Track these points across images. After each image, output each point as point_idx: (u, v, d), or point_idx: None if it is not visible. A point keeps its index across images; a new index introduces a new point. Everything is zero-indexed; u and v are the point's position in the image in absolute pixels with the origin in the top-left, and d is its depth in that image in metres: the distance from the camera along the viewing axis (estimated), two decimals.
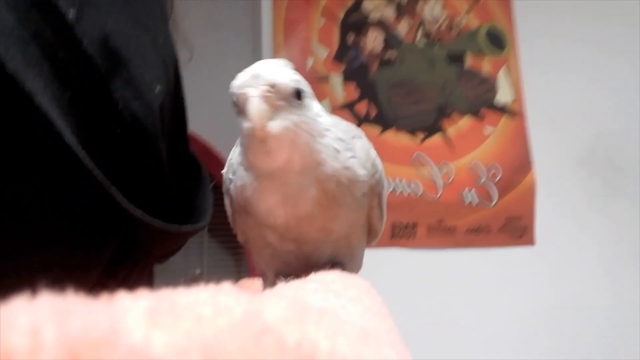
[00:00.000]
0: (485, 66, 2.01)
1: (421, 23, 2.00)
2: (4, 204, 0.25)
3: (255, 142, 0.42)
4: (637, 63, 2.09)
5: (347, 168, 0.46)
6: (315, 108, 0.47)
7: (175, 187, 0.38)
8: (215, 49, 1.88)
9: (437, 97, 1.95)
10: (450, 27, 2.03)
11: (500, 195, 1.89)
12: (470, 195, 1.87)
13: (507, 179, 1.91)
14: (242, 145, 0.46)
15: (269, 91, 0.41)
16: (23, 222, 0.25)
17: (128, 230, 0.30)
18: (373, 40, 1.94)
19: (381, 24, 1.97)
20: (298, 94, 0.44)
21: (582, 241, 1.92)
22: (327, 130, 0.47)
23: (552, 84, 2.03)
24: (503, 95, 2.00)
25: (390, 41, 1.96)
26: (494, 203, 1.88)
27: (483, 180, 1.89)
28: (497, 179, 1.90)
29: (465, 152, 1.91)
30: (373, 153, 0.51)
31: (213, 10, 2.02)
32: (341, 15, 1.93)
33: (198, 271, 1.50)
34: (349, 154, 0.47)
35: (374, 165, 0.49)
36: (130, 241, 0.31)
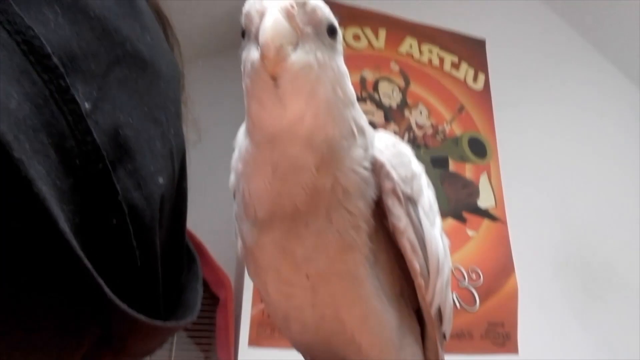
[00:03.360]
0: (468, 171, 2.10)
1: (408, 128, 2.11)
2: None
3: (263, 83, 0.30)
4: (612, 175, 2.20)
5: (353, 171, 0.35)
6: (343, 67, 0.35)
7: (166, 279, 0.36)
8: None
9: None
10: (435, 133, 2.14)
11: (482, 300, 1.90)
12: (453, 299, 1.86)
13: (489, 283, 1.92)
14: (247, 97, 0.33)
15: (293, 7, 0.30)
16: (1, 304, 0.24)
17: (107, 322, 0.29)
18: None
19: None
20: (332, 31, 0.33)
21: (564, 350, 1.90)
22: (353, 103, 0.36)
23: (531, 191, 2.11)
24: (484, 200, 2.06)
25: None
26: (476, 307, 1.88)
27: (465, 283, 1.91)
28: (479, 282, 1.92)
29: None
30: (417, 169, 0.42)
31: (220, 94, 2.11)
32: None
33: None
34: (366, 157, 0.37)
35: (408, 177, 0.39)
36: (106, 335, 0.30)
